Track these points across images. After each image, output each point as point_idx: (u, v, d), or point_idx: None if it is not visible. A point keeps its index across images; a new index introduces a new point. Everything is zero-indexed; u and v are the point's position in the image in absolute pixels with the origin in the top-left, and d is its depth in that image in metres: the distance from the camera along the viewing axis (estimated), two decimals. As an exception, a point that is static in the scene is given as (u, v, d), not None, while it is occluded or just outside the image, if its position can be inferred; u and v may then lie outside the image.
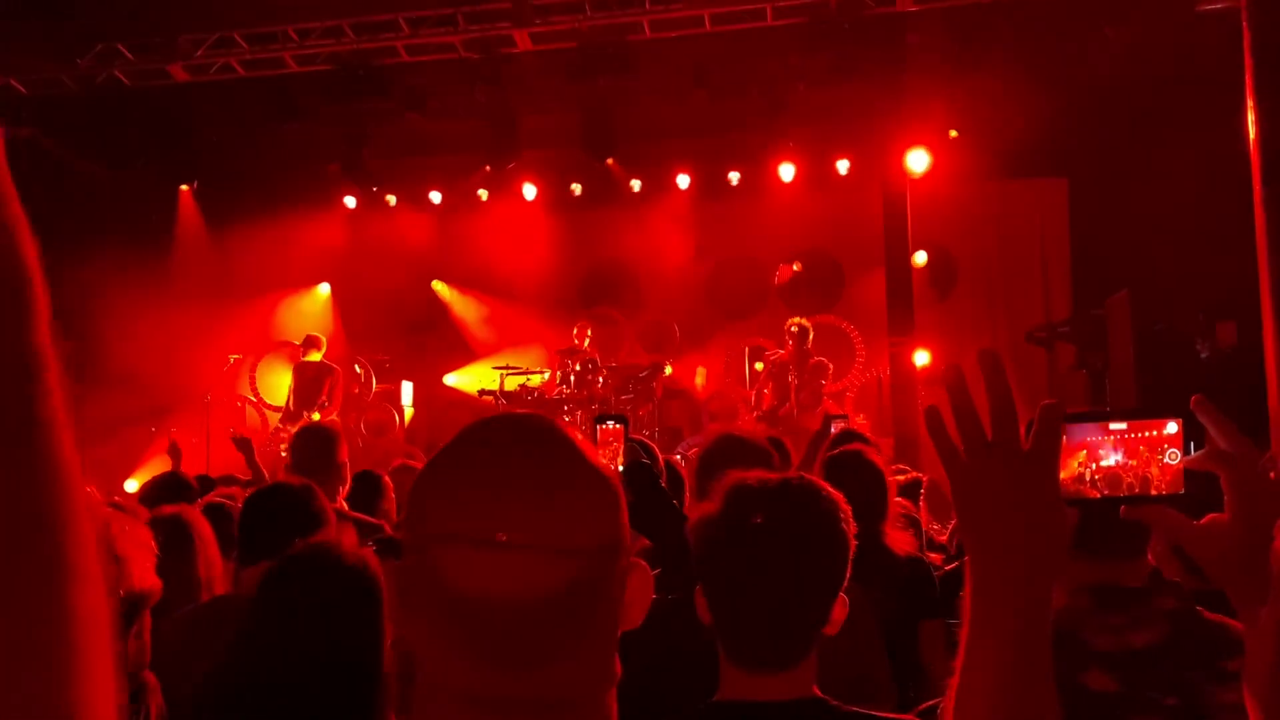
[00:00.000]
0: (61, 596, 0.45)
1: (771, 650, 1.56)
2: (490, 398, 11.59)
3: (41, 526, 0.47)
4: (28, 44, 10.08)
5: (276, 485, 2.86)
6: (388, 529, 3.41)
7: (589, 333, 11.39)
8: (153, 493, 3.55)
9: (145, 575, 1.63)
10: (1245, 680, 0.98)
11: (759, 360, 11.49)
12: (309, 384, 10.35)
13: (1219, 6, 8.35)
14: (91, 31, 10.29)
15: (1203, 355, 8.47)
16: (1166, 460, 1.06)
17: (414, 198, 12.50)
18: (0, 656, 0.43)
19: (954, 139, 10.76)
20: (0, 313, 0.47)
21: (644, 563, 0.94)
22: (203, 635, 2.34)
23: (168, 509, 2.95)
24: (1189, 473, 1.05)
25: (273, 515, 2.63)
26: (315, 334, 10.58)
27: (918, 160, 10.46)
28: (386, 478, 4.14)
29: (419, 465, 4.84)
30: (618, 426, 2.89)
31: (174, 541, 2.72)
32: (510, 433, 0.92)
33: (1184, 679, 1.52)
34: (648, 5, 9.54)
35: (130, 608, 1.57)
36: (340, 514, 3.27)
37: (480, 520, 0.85)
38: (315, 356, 10.45)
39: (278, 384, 11.78)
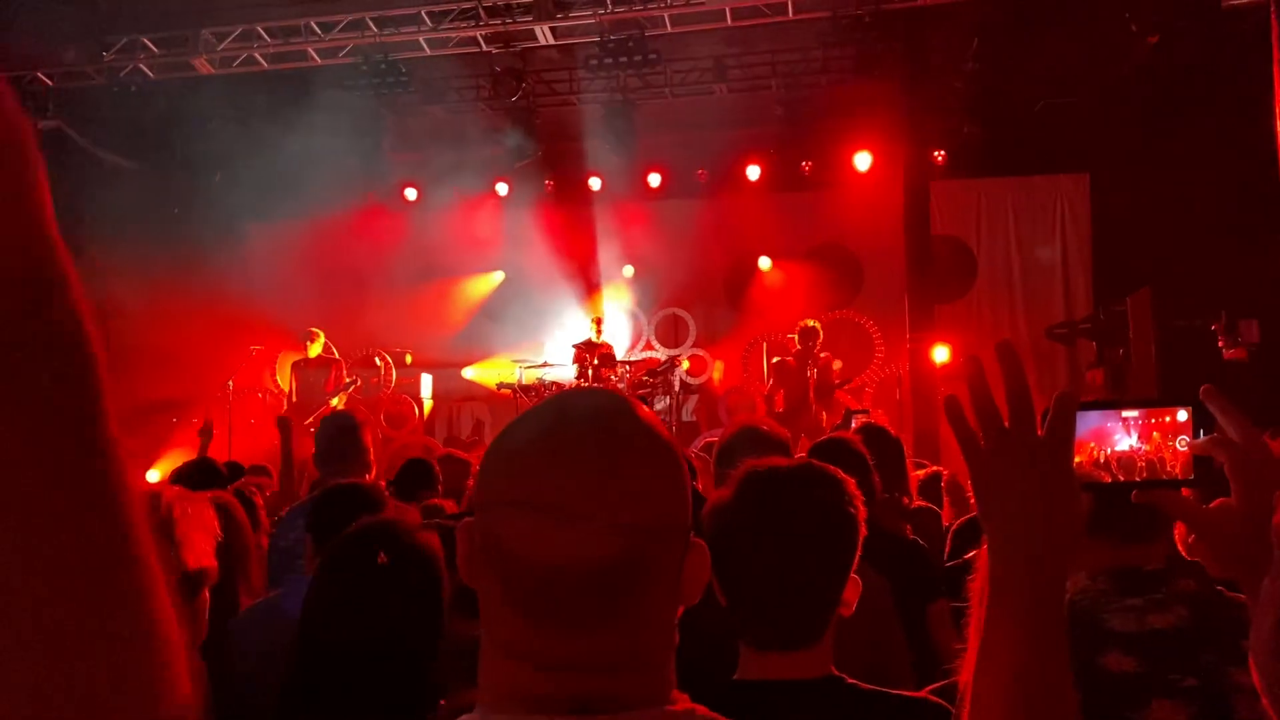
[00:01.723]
0: (139, 589, 0.51)
1: (785, 631, 1.59)
2: (508, 391, 11.65)
3: (112, 534, 0.52)
4: (54, 37, 10.19)
5: (351, 486, 2.87)
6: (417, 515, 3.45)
7: (604, 326, 11.43)
8: (183, 478, 3.60)
9: (203, 556, 1.66)
10: (1250, 649, 1.00)
11: (776, 355, 11.51)
12: (314, 379, 10.38)
13: (1246, 1, 8.29)
14: (116, 25, 10.39)
15: (1225, 353, 8.41)
16: (1177, 446, 1.08)
17: (435, 191, 12.56)
18: (95, 644, 0.48)
19: (974, 134, 10.72)
20: (63, 372, 0.52)
21: (702, 543, 0.96)
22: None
23: (207, 494, 2.99)
24: (1199, 458, 1.08)
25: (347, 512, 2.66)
26: (312, 329, 10.59)
27: (937, 155, 10.47)
28: (437, 466, 4.19)
29: (466, 456, 4.88)
30: (633, 398, 2.94)
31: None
32: (583, 407, 0.95)
33: (1203, 661, 1.54)
34: (669, -1, 9.55)
35: (187, 587, 1.61)
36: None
37: (541, 489, 0.88)
38: (314, 350, 10.47)
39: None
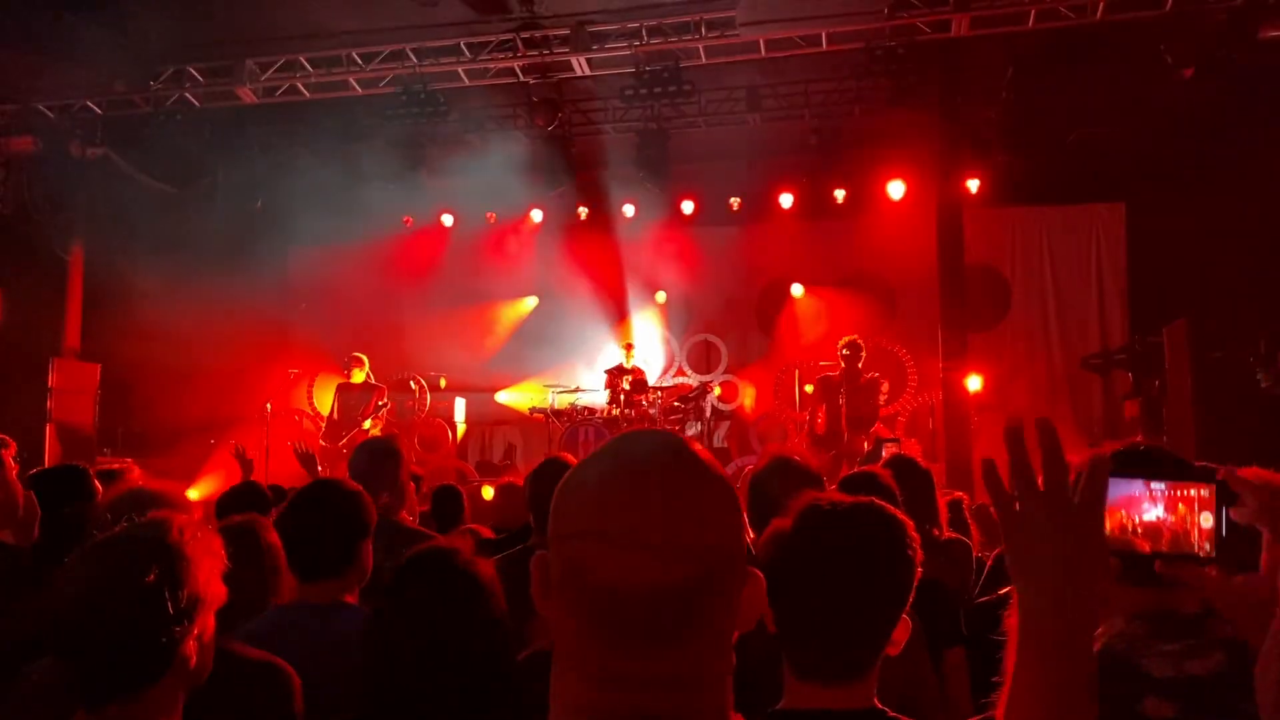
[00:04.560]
0: None
1: (836, 664, 1.63)
2: (540, 415, 11.71)
3: None
4: (103, 68, 10.46)
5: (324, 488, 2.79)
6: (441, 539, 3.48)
7: (636, 352, 11.48)
8: (230, 502, 3.68)
9: (210, 581, 1.70)
10: (1257, 694, 1.03)
11: (809, 382, 11.46)
12: (355, 402, 10.51)
13: (1282, 33, 8.26)
14: (163, 55, 10.64)
15: (1263, 385, 8.31)
16: (1201, 524, 1.11)
17: (471, 217, 12.71)
18: None
19: (1009, 163, 10.70)
20: None
21: (759, 573, 1.03)
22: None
23: (237, 517, 3.04)
24: (1233, 530, 1.11)
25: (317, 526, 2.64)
26: (357, 354, 10.73)
27: (972, 184, 10.44)
28: (465, 493, 4.24)
29: (519, 481, 4.95)
30: (690, 438, 2.94)
31: (242, 550, 2.79)
32: (647, 446, 1.02)
33: (1242, 709, 1.53)
34: (703, 31, 9.64)
35: (189, 610, 1.66)
36: (388, 521, 3.26)
37: (617, 520, 0.95)
38: (359, 376, 10.60)
39: (330, 400, 12.00)
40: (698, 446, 1.03)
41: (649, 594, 0.93)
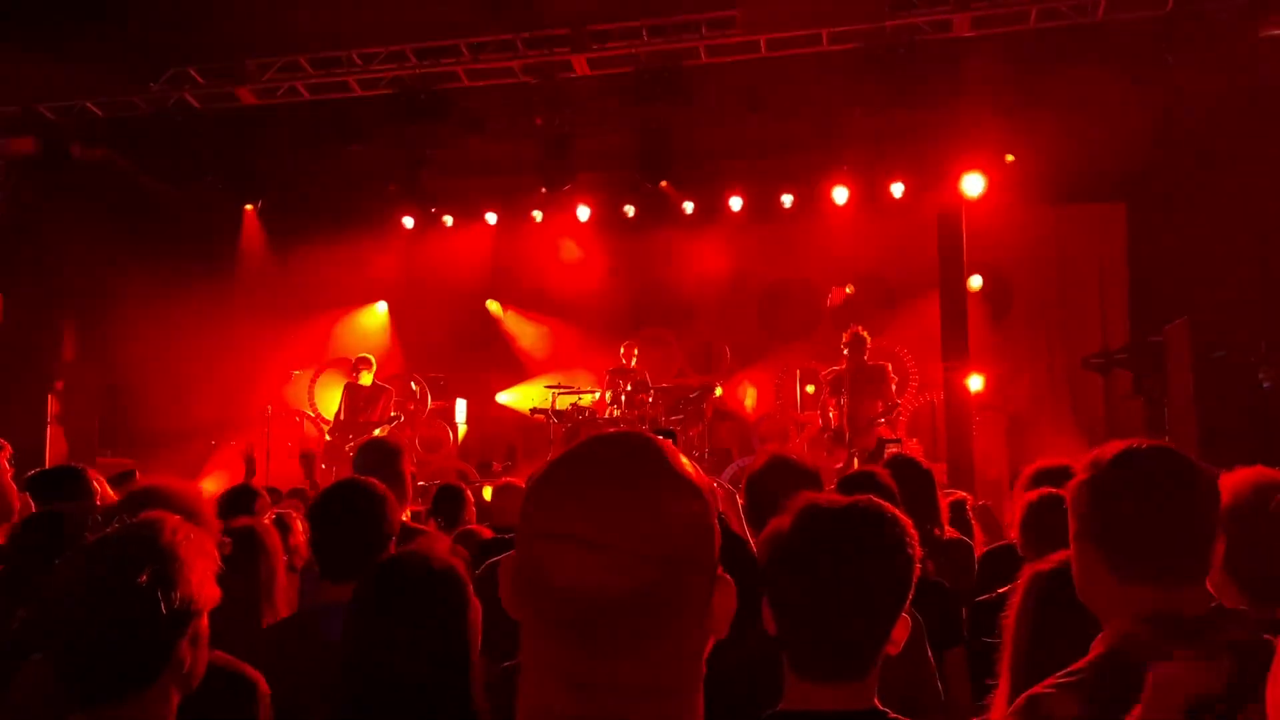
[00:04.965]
0: None
1: (836, 664, 1.62)
2: (541, 416, 11.70)
3: None
4: (103, 68, 10.44)
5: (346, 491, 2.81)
6: (449, 540, 3.49)
7: (636, 352, 11.47)
8: (226, 503, 3.69)
9: (203, 582, 1.69)
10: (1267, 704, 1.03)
11: (810, 383, 11.44)
12: (362, 404, 10.53)
13: (1283, 31, 8.25)
14: (163, 56, 10.63)
15: (1265, 385, 8.30)
16: None
17: (470, 218, 12.70)
18: None
19: (1010, 163, 10.68)
20: None
21: (729, 577, 1.01)
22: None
23: (240, 521, 3.05)
24: None
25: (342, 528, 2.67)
26: (366, 356, 10.74)
27: (973, 184, 10.42)
28: (468, 490, 4.26)
29: (520, 482, 4.95)
30: (665, 441, 2.93)
31: (243, 554, 2.80)
32: (613, 448, 1.01)
33: (1251, 716, 1.51)
34: (704, 31, 9.64)
35: (183, 611, 1.65)
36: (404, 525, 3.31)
37: (573, 522, 0.94)
38: (367, 378, 10.62)
39: (336, 399, 12.00)
40: (670, 448, 1.01)
41: (605, 598, 0.92)
